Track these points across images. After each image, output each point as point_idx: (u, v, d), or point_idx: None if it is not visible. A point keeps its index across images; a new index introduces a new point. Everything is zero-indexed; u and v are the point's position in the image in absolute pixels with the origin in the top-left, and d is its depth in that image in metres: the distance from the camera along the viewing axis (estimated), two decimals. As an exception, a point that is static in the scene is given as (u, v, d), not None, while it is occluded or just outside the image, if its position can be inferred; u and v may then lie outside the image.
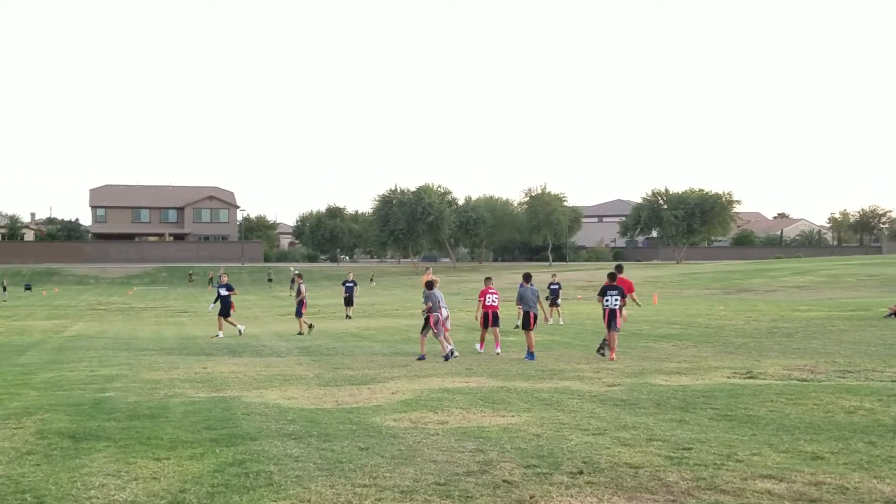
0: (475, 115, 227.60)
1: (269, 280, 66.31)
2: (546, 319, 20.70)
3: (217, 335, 23.05)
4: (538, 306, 17.35)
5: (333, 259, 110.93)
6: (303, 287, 25.15)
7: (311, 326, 24.71)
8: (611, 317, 16.52)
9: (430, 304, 16.66)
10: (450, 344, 16.71)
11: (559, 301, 28.27)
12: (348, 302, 33.25)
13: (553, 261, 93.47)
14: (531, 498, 6.19)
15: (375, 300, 45.98)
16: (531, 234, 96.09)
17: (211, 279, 69.13)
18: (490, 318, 17.95)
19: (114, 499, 6.27)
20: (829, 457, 7.40)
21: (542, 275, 35.24)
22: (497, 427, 8.93)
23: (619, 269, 17.57)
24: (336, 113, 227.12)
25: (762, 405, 10.17)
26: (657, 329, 24.54)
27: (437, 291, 16.89)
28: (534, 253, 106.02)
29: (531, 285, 17.42)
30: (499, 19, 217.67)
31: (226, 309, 23.50)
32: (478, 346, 18.74)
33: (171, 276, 75.02)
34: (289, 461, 7.38)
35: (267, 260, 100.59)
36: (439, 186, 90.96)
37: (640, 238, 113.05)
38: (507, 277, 67.27)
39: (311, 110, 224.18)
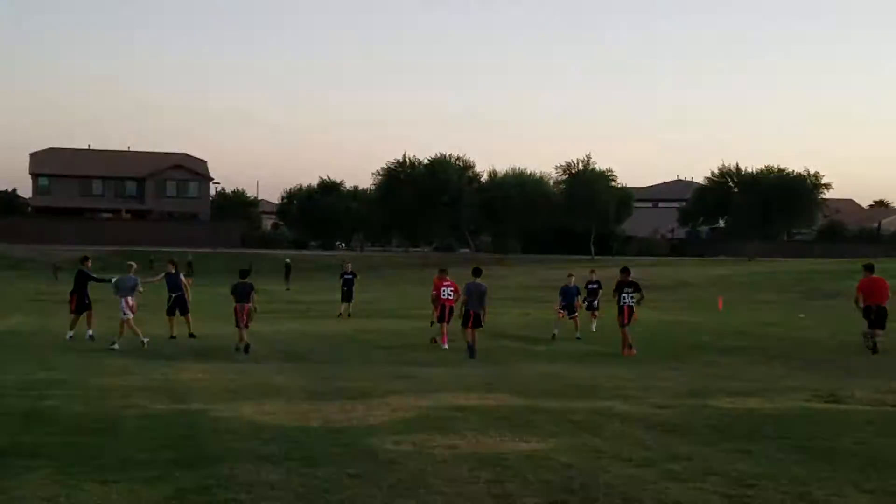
0: (502, 68, 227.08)
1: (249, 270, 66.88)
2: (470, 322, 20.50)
3: (79, 334, 22.57)
4: (483, 306, 20.08)
5: (328, 246, 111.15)
6: (183, 278, 24.98)
7: (191, 335, 23.56)
8: (629, 314, 20.44)
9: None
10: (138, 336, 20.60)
11: (597, 303, 27.77)
12: (347, 297, 33.77)
13: (595, 254, 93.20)
14: (557, 541, 6.23)
15: (376, 296, 46.11)
16: (570, 219, 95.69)
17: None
18: (446, 313, 21.82)
19: (50, 528, 6.36)
20: (927, 500, 7.40)
21: (583, 271, 35.17)
22: (519, 454, 8.98)
23: (871, 268, 21.11)
24: (331, 64, 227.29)
25: (846, 435, 10.17)
26: (721, 340, 24.53)
27: (129, 276, 21.81)
28: (572, 243, 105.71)
29: (479, 281, 20.17)
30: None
31: (81, 301, 22.63)
32: (442, 342, 21.78)
33: (127, 262, 75.50)
34: (263, 489, 7.45)
35: (245, 245, 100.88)
36: (458, 158, 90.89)
37: (704, 228, 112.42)
38: (539, 273, 67.29)
39: (301, 60, 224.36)
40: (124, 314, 21.17)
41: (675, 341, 24.30)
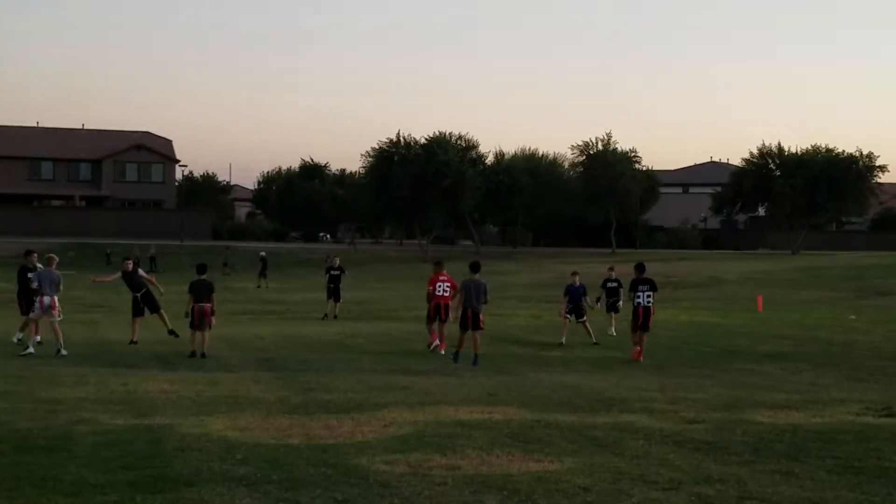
0: (509, 36, 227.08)
1: (225, 265, 66.77)
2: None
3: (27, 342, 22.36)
4: (481, 304, 20.45)
5: (311, 237, 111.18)
6: (143, 274, 24.91)
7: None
8: (645, 316, 21.23)
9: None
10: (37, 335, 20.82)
11: (620, 304, 27.61)
12: (333, 295, 33.80)
13: (617, 246, 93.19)
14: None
15: (367, 295, 46.14)
16: (588, 207, 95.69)
17: (136, 262, 69.27)
18: (441, 311, 22.16)
19: (-7, 561, 6.38)
20: None
21: (601, 267, 35.15)
22: (529, 475, 9.00)
23: None
24: (313, 27, 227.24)
25: (904, 455, 10.20)
26: (760, 345, 24.55)
27: (51, 270, 20.94)
28: (590, 235, 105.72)
29: (478, 277, 20.59)
30: None
31: (31, 301, 22.39)
32: (438, 345, 22.31)
33: (81, 256, 75.19)
34: (237, 515, 7.46)
35: (217, 236, 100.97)
36: (459, 138, 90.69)
37: (741, 217, 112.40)
38: (553, 268, 67.28)
39: (277, 24, 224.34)
40: (32, 313, 21.11)
41: (707, 346, 24.32)
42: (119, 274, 24.85)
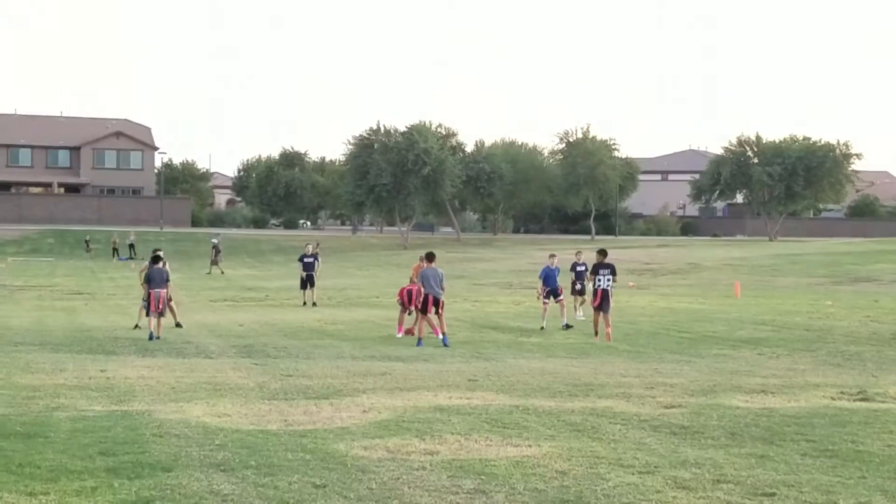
0: (490, 25, 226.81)
1: (219, 251, 66.47)
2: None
3: None
4: (441, 290, 21.33)
5: (291, 225, 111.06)
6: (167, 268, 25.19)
7: None
8: (603, 297, 21.99)
9: None
10: None
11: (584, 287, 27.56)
12: (308, 283, 33.72)
13: (596, 233, 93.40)
14: (548, 557, 6.27)
15: (348, 283, 46.12)
16: (567, 195, 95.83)
17: (115, 249, 69.13)
18: (405, 298, 22.67)
19: (-30, 546, 6.35)
20: (966, 510, 7.48)
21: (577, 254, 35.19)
22: (507, 460, 9.03)
23: None
24: (295, 18, 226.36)
25: (877, 437, 10.28)
26: (737, 331, 24.62)
27: None
28: (570, 222, 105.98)
29: (434, 266, 21.58)
30: None
31: None
32: (397, 330, 23.20)
33: (60, 243, 75.12)
34: (215, 501, 7.47)
35: (196, 224, 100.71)
36: (439, 126, 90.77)
37: (720, 204, 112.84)
38: (532, 255, 67.36)
39: (259, 14, 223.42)
40: None
41: (685, 332, 24.38)
42: (147, 263, 25.13)
